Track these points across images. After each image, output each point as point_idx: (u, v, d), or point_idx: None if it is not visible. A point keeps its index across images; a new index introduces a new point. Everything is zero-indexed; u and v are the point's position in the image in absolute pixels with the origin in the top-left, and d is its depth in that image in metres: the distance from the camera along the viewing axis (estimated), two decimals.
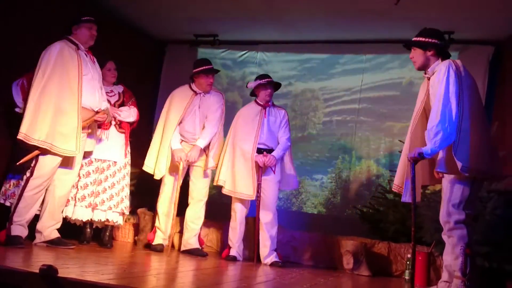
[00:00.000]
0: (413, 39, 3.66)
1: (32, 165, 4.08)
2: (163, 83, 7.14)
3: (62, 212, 4.42)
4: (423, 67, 3.63)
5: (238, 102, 6.92)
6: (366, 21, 5.87)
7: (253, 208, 4.95)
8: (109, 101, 4.82)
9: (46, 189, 4.25)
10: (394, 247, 4.96)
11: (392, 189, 3.86)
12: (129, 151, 4.98)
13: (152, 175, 4.95)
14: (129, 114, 4.92)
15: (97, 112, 4.29)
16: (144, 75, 6.87)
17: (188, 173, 5.02)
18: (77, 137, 4.05)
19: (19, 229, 4.00)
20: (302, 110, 6.80)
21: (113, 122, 4.83)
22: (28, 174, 4.09)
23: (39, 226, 4.23)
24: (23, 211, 4.03)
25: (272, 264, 4.73)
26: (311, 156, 6.64)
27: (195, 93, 4.96)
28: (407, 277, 4.44)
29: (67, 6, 5.37)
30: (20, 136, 3.91)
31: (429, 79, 3.61)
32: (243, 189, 4.81)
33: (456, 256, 3.40)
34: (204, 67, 4.89)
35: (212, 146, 4.96)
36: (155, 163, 4.89)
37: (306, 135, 6.71)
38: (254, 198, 4.81)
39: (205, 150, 4.96)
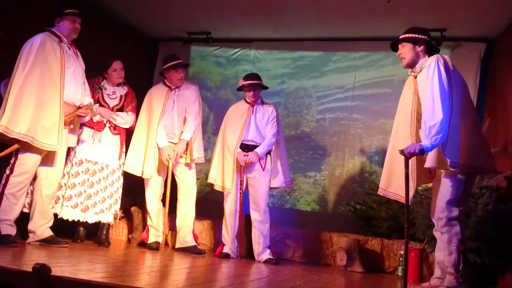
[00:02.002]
0: (402, 36, 3.66)
1: (11, 162, 4.00)
2: (156, 82, 7.11)
3: (52, 208, 4.40)
4: (412, 63, 3.61)
5: (231, 100, 6.91)
6: (358, 19, 5.88)
7: (247, 205, 4.97)
8: (108, 104, 4.80)
9: (33, 189, 4.23)
10: (387, 244, 4.98)
11: (378, 193, 3.82)
12: (124, 151, 4.94)
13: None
14: (125, 121, 4.86)
15: (79, 107, 4.23)
16: (137, 73, 6.85)
17: (173, 170, 4.97)
18: (59, 131, 3.96)
19: (8, 228, 3.97)
20: (295, 108, 6.80)
21: (108, 124, 4.80)
22: (7, 172, 4.01)
23: (31, 226, 4.19)
24: (8, 210, 3.98)
25: (266, 261, 4.75)
26: (304, 154, 6.65)
27: (170, 88, 4.97)
28: (400, 274, 4.47)
29: (58, 5, 5.33)
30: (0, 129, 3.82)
31: (415, 77, 3.61)
32: (225, 183, 4.87)
33: (450, 252, 3.42)
34: (172, 63, 4.90)
35: (195, 138, 4.97)
36: (143, 162, 4.83)
37: (299, 133, 6.72)
38: (229, 192, 4.85)
39: (188, 143, 4.94)
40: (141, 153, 4.85)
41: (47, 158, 4.16)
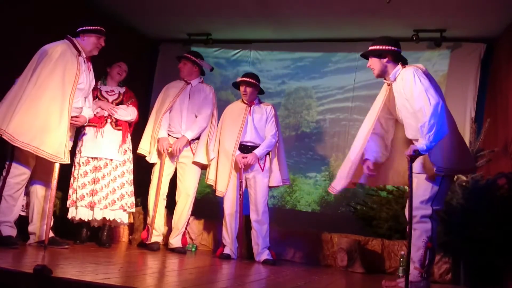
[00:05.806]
0: (369, 48, 3.70)
1: (7, 164, 3.99)
2: (157, 82, 7.13)
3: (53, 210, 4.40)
4: (382, 74, 3.68)
5: (232, 101, 6.88)
6: (358, 20, 5.89)
7: (248, 205, 4.97)
8: (107, 100, 4.84)
9: (29, 191, 4.22)
10: (388, 244, 4.98)
11: (328, 190, 4.00)
12: (130, 148, 4.94)
13: (146, 168, 4.98)
14: (127, 113, 4.87)
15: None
16: (137, 74, 6.85)
17: (175, 171, 4.99)
18: (65, 147, 3.92)
19: (8, 230, 3.96)
20: (295, 109, 6.81)
21: (109, 120, 4.80)
22: (4, 173, 4.00)
23: (31, 228, 4.19)
24: (7, 211, 3.97)
25: (264, 262, 4.73)
26: (304, 155, 6.66)
27: (186, 83, 5.04)
28: (400, 274, 4.47)
29: (60, 6, 5.34)
30: (4, 136, 3.78)
31: (389, 85, 3.65)
32: (218, 186, 4.87)
33: (418, 247, 3.48)
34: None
35: (201, 141, 4.95)
36: (149, 147, 4.94)
37: (299, 134, 6.72)
38: (223, 195, 4.85)
39: (191, 143, 4.95)
40: (149, 138, 4.97)
41: (42, 159, 4.13)
